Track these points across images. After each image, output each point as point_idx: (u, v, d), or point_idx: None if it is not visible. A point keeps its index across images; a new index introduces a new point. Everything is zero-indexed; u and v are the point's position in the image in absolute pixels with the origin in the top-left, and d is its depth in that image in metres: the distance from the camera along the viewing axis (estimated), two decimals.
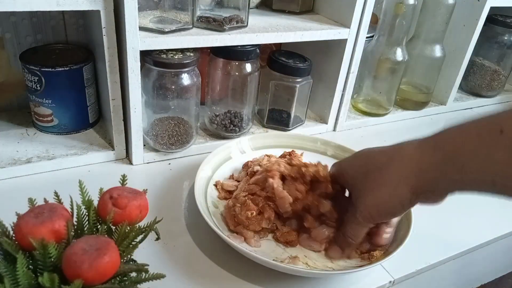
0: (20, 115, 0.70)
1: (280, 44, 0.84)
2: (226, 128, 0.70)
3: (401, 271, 0.51)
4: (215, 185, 0.59)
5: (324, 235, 0.50)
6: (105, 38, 0.54)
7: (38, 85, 0.62)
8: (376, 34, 0.81)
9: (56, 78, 0.62)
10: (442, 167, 0.37)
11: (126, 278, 0.34)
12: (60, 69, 0.62)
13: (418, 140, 0.40)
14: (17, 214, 0.33)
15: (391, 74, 0.82)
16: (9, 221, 0.34)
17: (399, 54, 0.80)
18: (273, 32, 0.64)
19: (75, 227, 0.35)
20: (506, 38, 0.96)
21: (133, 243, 0.35)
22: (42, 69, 0.61)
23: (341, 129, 0.82)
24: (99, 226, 0.35)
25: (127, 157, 0.66)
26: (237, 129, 0.71)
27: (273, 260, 0.48)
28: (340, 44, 0.72)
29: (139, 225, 0.36)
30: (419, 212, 0.54)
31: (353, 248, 0.49)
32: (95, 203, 0.36)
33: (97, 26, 0.55)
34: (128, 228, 0.35)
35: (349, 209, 0.47)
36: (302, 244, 0.52)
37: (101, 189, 0.37)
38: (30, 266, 0.31)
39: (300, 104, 0.76)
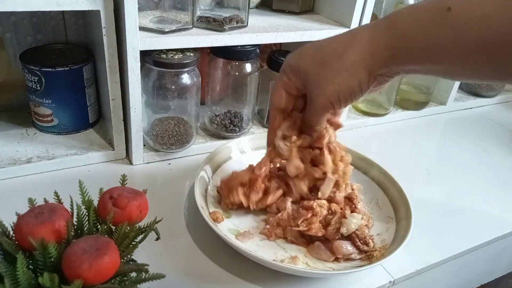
0: (20, 115, 0.70)
1: (280, 44, 0.84)
2: (226, 128, 0.70)
3: (401, 271, 0.51)
4: (218, 192, 0.59)
5: (346, 251, 0.50)
6: (105, 38, 0.54)
7: (38, 85, 0.62)
8: None
9: (56, 78, 0.62)
10: (394, 47, 0.38)
11: (126, 278, 0.34)
12: (60, 69, 0.62)
13: (372, 23, 0.41)
14: (17, 214, 0.33)
15: None
16: (9, 221, 0.34)
17: None
18: (273, 32, 0.64)
19: (75, 227, 0.35)
20: None
21: (133, 243, 0.35)
22: (42, 69, 0.61)
23: (341, 129, 0.82)
24: (99, 226, 0.35)
25: (127, 157, 0.66)
26: (237, 129, 0.71)
27: (273, 260, 0.48)
28: None
29: (139, 225, 0.36)
30: (419, 212, 0.54)
31: (321, 129, 0.50)
32: (95, 203, 0.36)
33: (97, 26, 0.55)
34: (128, 228, 0.34)
35: (307, 102, 0.47)
36: (311, 251, 0.51)
37: (101, 189, 0.37)
38: (30, 266, 0.31)
39: None
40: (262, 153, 0.64)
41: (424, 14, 0.37)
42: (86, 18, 0.69)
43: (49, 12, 0.67)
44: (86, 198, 0.36)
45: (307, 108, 0.48)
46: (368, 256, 0.50)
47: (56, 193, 0.37)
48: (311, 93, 0.45)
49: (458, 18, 0.34)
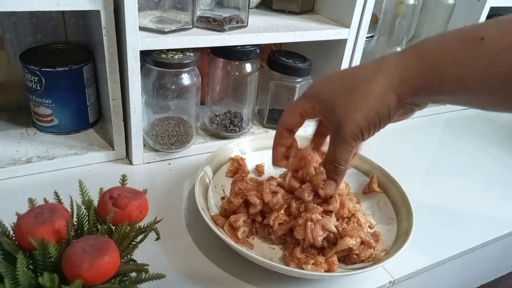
0: (20, 115, 0.70)
1: (280, 44, 0.84)
2: (226, 128, 0.70)
3: (401, 271, 0.51)
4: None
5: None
6: (105, 38, 0.54)
7: (38, 85, 0.62)
8: (376, 34, 0.81)
9: (56, 78, 0.62)
10: (424, 75, 0.38)
11: (126, 278, 0.34)
12: (60, 69, 0.62)
13: (402, 51, 0.41)
14: (17, 214, 0.33)
15: None
16: (9, 221, 0.34)
17: None
18: (273, 32, 0.64)
19: (75, 227, 0.35)
20: None
21: (133, 243, 0.35)
22: (42, 69, 0.61)
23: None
24: (99, 226, 0.35)
25: (127, 157, 0.66)
26: (237, 129, 0.71)
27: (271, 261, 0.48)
28: (340, 44, 0.72)
29: (139, 225, 0.36)
30: (419, 212, 0.54)
31: (344, 174, 0.46)
32: (95, 203, 0.36)
33: (97, 26, 0.55)
34: (128, 228, 0.34)
35: (331, 134, 0.44)
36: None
37: (101, 189, 0.37)
38: (30, 266, 0.31)
39: None
40: (263, 154, 0.65)
41: (456, 44, 0.36)
42: (86, 18, 0.69)
43: (49, 12, 0.67)
44: (86, 198, 0.36)
45: (331, 142, 0.44)
46: (370, 258, 0.50)
47: (56, 193, 0.37)
48: (338, 120, 0.42)
49: (492, 48, 0.34)
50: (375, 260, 0.49)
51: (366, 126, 0.41)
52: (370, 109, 0.40)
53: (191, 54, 0.61)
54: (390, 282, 0.50)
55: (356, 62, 0.74)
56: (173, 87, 0.62)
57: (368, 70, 0.41)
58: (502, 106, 0.37)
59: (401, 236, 0.52)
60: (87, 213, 0.36)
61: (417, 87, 0.38)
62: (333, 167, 0.45)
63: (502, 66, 0.33)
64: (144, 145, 0.64)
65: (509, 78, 0.33)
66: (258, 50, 0.66)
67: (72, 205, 0.36)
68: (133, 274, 0.34)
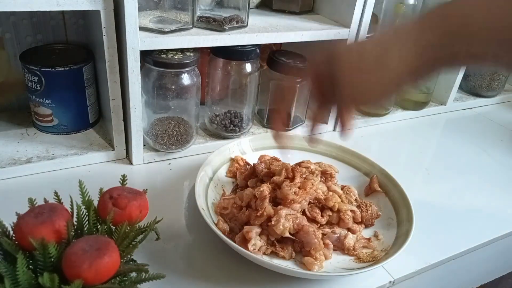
0: (20, 115, 0.70)
1: (280, 44, 0.84)
2: (226, 128, 0.70)
3: (401, 271, 0.51)
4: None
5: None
6: (105, 38, 0.54)
7: (38, 85, 0.62)
8: None
9: (56, 78, 0.62)
10: (447, 41, 0.33)
11: (126, 278, 0.34)
12: (60, 69, 0.62)
13: (416, 17, 0.37)
14: (17, 214, 0.33)
15: None
16: (9, 221, 0.34)
17: None
18: (273, 32, 0.64)
19: (75, 227, 0.35)
20: None
21: (133, 243, 0.35)
22: (42, 69, 0.61)
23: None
24: (99, 226, 0.35)
25: (127, 157, 0.66)
26: (237, 129, 0.71)
27: (272, 261, 0.48)
28: None
29: (139, 225, 0.36)
30: (419, 212, 0.54)
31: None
32: (95, 203, 0.36)
33: (97, 26, 0.55)
34: (128, 228, 0.35)
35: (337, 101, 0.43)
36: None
37: (101, 189, 0.37)
38: (30, 266, 0.31)
39: (300, 104, 0.76)
40: (262, 154, 0.65)
41: (485, 3, 0.32)
42: (86, 18, 0.69)
43: (49, 12, 0.67)
44: (86, 198, 0.36)
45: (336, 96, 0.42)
46: (370, 257, 0.50)
47: (56, 193, 0.37)
48: (342, 89, 0.40)
49: None
50: (375, 260, 0.49)
51: (366, 99, 0.41)
52: (375, 85, 0.38)
53: (191, 54, 0.61)
54: (390, 282, 0.50)
55: None
56: (173, 87, 0.62)
57: (380, 45, 0.37)
58: None
59: (401, 236, 0.52)
60: (87, 213, 0.36)
61: (438, 56, 0.34)
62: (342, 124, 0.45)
63: None
64: (144, 145, 0.64)
65: None
66: (258, 50, 0.66)
67: (72, 205, 0.36)
68: (133, 274, 0.34)
